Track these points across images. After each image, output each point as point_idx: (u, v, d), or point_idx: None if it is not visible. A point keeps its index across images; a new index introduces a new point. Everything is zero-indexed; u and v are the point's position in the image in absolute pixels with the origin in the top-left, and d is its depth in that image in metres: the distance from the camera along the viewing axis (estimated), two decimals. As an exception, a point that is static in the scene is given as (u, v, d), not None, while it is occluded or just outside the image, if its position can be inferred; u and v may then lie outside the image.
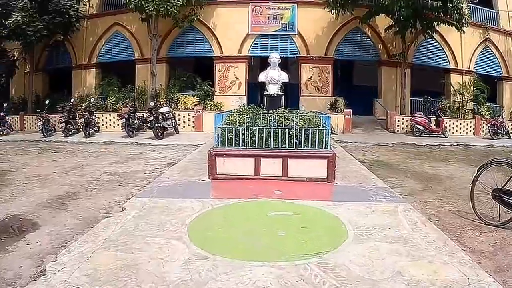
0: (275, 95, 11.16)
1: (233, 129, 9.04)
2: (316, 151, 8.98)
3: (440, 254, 4.99)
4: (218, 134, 9.32)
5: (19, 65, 28.22)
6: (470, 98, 24.82)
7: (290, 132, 8.97)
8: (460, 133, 23.13)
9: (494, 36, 27.01)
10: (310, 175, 8.88)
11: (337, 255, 4.92)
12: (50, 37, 25.33)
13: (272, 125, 9.05)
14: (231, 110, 11.17)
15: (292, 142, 9.02)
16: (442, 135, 21.13)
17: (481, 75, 26.03)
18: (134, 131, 19.31)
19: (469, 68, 26.14)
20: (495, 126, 21.79)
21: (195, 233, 5.63)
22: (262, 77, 11.48)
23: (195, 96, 22.91)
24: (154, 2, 20.51)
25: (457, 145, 18.52)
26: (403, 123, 22.31)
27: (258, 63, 23.49)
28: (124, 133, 18.84)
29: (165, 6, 20.59)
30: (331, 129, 10.74)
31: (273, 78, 11.11)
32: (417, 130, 20.88)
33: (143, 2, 20.58)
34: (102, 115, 22.33)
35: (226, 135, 9.11)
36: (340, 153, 13.02)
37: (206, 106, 22.15)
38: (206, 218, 6.44)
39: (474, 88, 24.90)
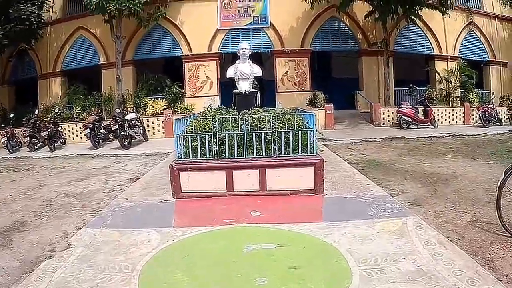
0: (247, 92, 9.54)
1: (198, 136, 7.43)
2: (299, 158, 7.40)
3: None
4: (180, 144, 7.70)
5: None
6: (458, 85, 23.85)
7: (267, 137, 7.37)
8: (449, 122, 22.11)
9: (478, 20, 26.26)
10: (294, 187, 7.32)
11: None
12: (12, 46, 24.15)
13: (244, 129, 7.46)
14: (194, 114, 9.58)
15: (270, 148, 7.41)
16: (431, 126, 20.13)
17: (466, 60, 25.05)
18: (100, 142, 17.97)
19: (454, 54, 25.30)
20: (486, 113, 20.88)
21: (147, 283, 4.32)
22: (230, 72, 9.84)
23: (164, 100, 21.57)
24: (116, 1, 19.21)
25: (449, 135, 17.61)
26: (388, 116, 21.14)
27: (230, 60, 21.82)
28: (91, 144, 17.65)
29: (127, 4, 19.28)
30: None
31: (244, 73, 9.49)
32: (404, 122, 19.73)
33: (104, 2, 19.29)
34: (69, 126, 20.92)
35: (190, 145, 7.52)
36: (325, 154, 11.70)
37: (176, 109, 20.80)
38: (163, 258, 5.03)
39: (462, 74, 23.91)
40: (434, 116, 20.48)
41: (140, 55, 23.41)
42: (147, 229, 5.97)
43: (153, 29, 22.76)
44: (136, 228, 6.09)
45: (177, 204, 7.32)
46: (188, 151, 7.54)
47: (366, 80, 23.69)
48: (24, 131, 19.01)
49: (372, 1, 20.15)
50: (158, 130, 20.06)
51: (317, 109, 20.02)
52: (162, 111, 20.45)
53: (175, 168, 7.41)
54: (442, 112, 22.04)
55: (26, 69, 26.54)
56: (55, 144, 18.43)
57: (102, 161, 14.67)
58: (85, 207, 8.10)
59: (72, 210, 7.98)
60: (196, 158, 7.51)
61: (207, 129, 7.48)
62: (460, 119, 22.35)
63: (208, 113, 8.67)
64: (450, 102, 23.33)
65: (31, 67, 26.21)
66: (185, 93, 22.41)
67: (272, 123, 7.36)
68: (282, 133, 7.34)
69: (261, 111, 8.25)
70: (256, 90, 9.71)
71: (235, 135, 7.41)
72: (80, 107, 22.08)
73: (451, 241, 5.18)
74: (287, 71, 22.89)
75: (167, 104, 21.23)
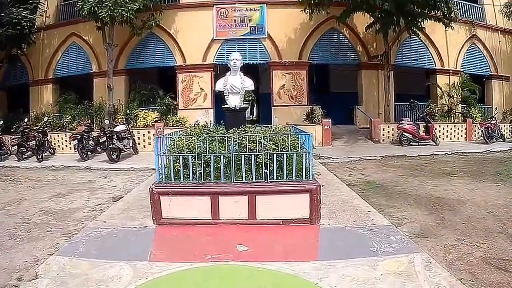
0: (237, 108, 8.63)
1: (180, 157, 6.67)
2: (294, 184, 6.62)
3: None
4: (161, 165, 6.95)
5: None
6: (460, 100, 23.29)
7: (258, 159, 6.62)
8: (450, 138, 21.49)
9: (480, 33, 25.60)
10: (287, 215, 6.55)
11: None
12: (4, 51, 23.47)
13: (232, 151, 6.68)
14: (176, 132, 8.76)
15: (261, 172, 6.65)
16: (433, 143, 19.47)
17: (469, 74, 24.39)
18: (88, 154, 17.29)
19: (456, 68, 24.63)
20: (489, 129, 20.28)
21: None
22: (219, 85, 9.01)
23: (156, 112, 20.83)
24: (108, 7, 18.56)
25: (452, 153, 16.90)
26: (388, 132, 20.47)
27: (225, 71, 21.13)
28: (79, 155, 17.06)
29: (120, 11, 18.62)
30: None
31: (234, 86, 8.66)
32: (405, 138, 19.06)
33: (96, 8, 18.67)
34: (58, 136, 20.23)
35: (172, 166, 6.76)
36: (322, 175, 11.01)
37: (168, 122, 20.07)
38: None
39: (465, 89, 23.38)
40: (435, 133, 19.82)
41: (133, 64, 22.71)
42: (120, 262, 5.35)
43: (146, 38, 22.09)
44: (109, 260, 5.47)
45: (157, 232, 6.58)
46: (170, 173, 6.79)
47: (366, 95, 22.99)
48: (12, 139, 18.52)
49: (373, 13, 19.55)
50: (149, 143, 19.14)
51: (314, 124, 19.40)
52: (153, 124, 19.72)
53: (155, 192, 6.66)
54: (443, 128, 21.42)
55: (18, 75, 25.94)
56: (43, 154, 17.85)
57: (88, 175, 14.11)
58: (61, 228, 7.61)
59: (47, 231, 7.49)
60: (178, 181, 6.76)
61: (191, 149, 6.69)
62: (461, 136, 21.77)
63: (193, 130, 7.88)
64: (452, 118, 22.66)
65: (23, 73, 25.59)
66: (178, 105, 21.71)
67: (264, 144, 6.59)
68: (275, 155, 6.59)
69: (252, 129, 7.47)
70: (249, 103, 8.91)
71: (222, 156, 6.66)
72: (70, 116, 21.41)
73: (464, 284, 4.58)
74: (284, 84, 22.13)
75: (158, 116, 20.50)
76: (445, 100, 23.24)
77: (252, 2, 22.03)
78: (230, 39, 21.99)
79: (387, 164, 14.49)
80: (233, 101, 8.56)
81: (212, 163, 6.60)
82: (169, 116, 20.59)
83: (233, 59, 8.84)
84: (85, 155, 16.88)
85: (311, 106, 20.91)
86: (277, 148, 6.61)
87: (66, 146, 19.56)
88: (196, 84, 21.85)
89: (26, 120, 19.98)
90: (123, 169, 14.76)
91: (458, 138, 21.60)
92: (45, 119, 20.65)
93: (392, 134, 20.20)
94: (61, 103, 23.39)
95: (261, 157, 6.56)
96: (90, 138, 17.39)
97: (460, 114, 22.97)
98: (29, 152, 18.06)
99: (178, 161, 6.70)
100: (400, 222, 7.19)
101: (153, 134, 18.87)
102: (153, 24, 20.81)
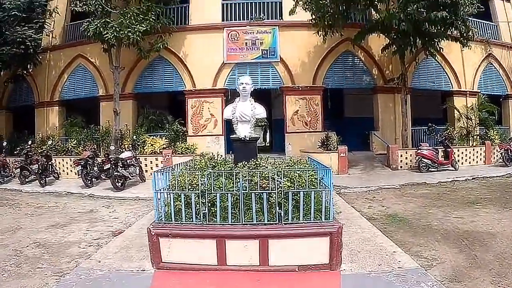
0: (248, 138, 7.49)
1: (182, 195, 5.88)
2: (312, 226, 5.80)
3: None
4: (160, 203, 6.16)
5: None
6: (477, 122, 22.57)
7: (271, 198, 5.79)
8: (469, 162, 20.62)
9: (496, 51, 24.87)
10: (304, 261, 5.75)
11: None
12: (9, 70, 23.33)
13: (241, 188, 5.84)
14: (178, 164, 7.89)
15: (274, 212, 5.82)
16: (452, 168, 18.68)
17: (486, 95, 23.78)
18: (93, 180, 16.76)
19: (472, 89, 23.86)
20: (509, 151, 19.62)
21: None
22: (228, 112, 7.93)
23: (164, 138, 20.05)
24: (114, 28, 18.14)
25: (472, 178, 16.24)
26: (406, 158, 19.56)
27: (236, 97, 20.44)
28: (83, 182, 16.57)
29: (126, 32, 18.14)
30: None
31: (244, 114, 7.60)
32: (423, 165, 18.22)
33: (101, 29, 18.26)
34: (63, 160, 19.73)
35: (173, 204, 5.97)
36: (340, 208, 10.34)
37: (177, 149, 19.25)
38: None
39: (483, 110, 22.70)
40: (454, 157, 19.06)
41: (140, 88, 22.09)
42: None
43: (154, 61, 21.52)
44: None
45: (155, 278, 5.85)
46: (170, 212, 6.00)
47: (382, 119, 22.15)
48: (15, 162, 18.28)
49: (389, 34, 18.86)
50: (156, 170, 18.33)
51: (330, 152, 18.65)
52: (161, 150, 18.97)
53: (153, 233, 5.89)
54: (462, 152, 20.57)
55: (24, 95, 25.62)
56: (47, 179, 17.58)
57: (90, 203, 13.75)
58: (53, 266, 7.16)
59: (38, 268, 7.09)
60: (179, 222, 5.97)
61: (194, 185, 5.89)
62: (480, 159, 20.95)
63: (198, 163, 7.07)
64: (470, 141, 21.92)
65: (29, 94, 25.23)
66: (187, 132, 20.97)
67: (277, 180, 5.77)
68: (290, 193, 5.75)
69: (264, 162, 6.66)
70: (258, 135, 7.89)
71: (229, 195, 5.83)
72: (75, 141, 20.89)
73: None
74: (297, 110, 21.32)
75: (167, 142, 19.73)
76: (463, 122, 22.47)
77: (263, 25, 21.39)
78: (241, 63, 21.31)
79: (407, 193, 13.78)
80: (243, 130, 7.55)
81: (218, 202, 5.79)
82: (177, 143, 19.83)
83: (243, 83, 7.82)
84: (89, 182, 16.48)
85: (326, 133, 20.12)
86: (292, 185, 5.78)
87: (71, 171, 19.06)
88: (206, 110, 21.15)
89: (30, 142, 19.86)
90: (127, 198, 14.26)
91: (477, 162, 20.82)
92: (49, 142, 20.40)
93: (410, 160, 19.37)
94: (67, 126, 22.97)
95: (274, 195, 5.76)
96: (95, 164, 16.99)
97: (478, 137, 22.25)
98: (33, 176, 17.79)
99: (179, 199, 5.91)
100: (430, 264, 6.52)
101: (161, 161, 18.30)
102: (161, 47, 20.29)
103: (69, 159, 19.36)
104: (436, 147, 19.08)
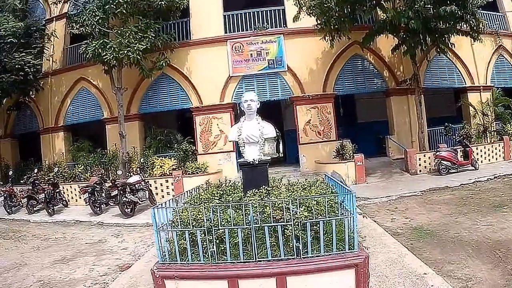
0: (257, 162, 6.52)
1: (186, 232, 5.18)
2: (335, 258, 5.03)
3: None
4: (162, 242, 5.46)
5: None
6: (494, 117, 21.97)
7: (287, 230, 5.03)
8: (489, 160, 19.97)
9: (506, 42, 24.18)
10: (328, 298, 5.04)
11: None
12: (10, 98, 23.32)
13: (252, 221, 5.07)
14: (182, 194, 7.15)
15: (291, 245, 5.04)
16: (472, 167, 18.03)
17: (500, 88, 23.31)
18: (101, 207, 16.35)
19: (486, 83, 23.17)
20: None
21: None
22: (233, 134, 6.97)
23: (173, 158, 19.47)
24: (113, 49, 17.77)
25: (495, 177, 15.74)
26: (425, 161, 18.84)
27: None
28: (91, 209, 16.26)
29: (125, 52, 17.74)
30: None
31: (251, 135, 6.63)
32: (443, 167, 17.57)
33: (100, 50, 17.92)
34: (71, 187, 19.26)
35: (176, 243, 5.30)
36: (361, 224, 9.59)
37: (187, 169, 18.56)
38: None
39: (498, 105, 22.19)
40: (474, 156, 18.42)
41: (146, 108, 21.63)
42: None
43: (158, 79, 21.09)
44: None
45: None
46: (174, 251, 5.31)
47: (397, 123, 21.49)
48: (22, 191, 17.97)
49: (398, 34, 18.31)
50: (167, 193, 17.75)
51: (346, 161, 18.04)
52: (170, 172, 18.36)
53: (157, 276, 5.22)
54: (481, 150, 19.94)
55: (28, 122, 25.49)
56: (55, 207, 17.23)
57: (99, 233, 13.45)
58: None
59: None
60: (186, 262, 5.27)
61: (199, 221, 5.17)
62: (499, 155, 20.33)
63: (203, 194, 6.39)
64: (488, 138, 21.27)
65: (33, 121, 25.06)
66: (197, 150, 20.45)
67: (293, 209, 5.06)
68: (308, 224, 4.99)
69: (276, 188, 5.96)
70: (269, 158, 6.87)
71: (239, 229, 5.08)
72: (82, 166, 20.55)
73: None
74: (309, 120, 20.73)
75: (176, 163, 19.14)
76: (479, 119, 21.81)
77: (268, 34, 20.87)
78: (248, 75, 20.78)
79: (430, 200, 13.16)
80: (251, 153, 6.64)
81: (227, 239, 5.06)
82: (187, 162, 19.17)
83: (247, 100, 6.78)
84: (98, 209, 16.16)
85: (341, 141, 19.50)
86: (310, 215, 5.02)
87: (80, 197, 18.41)
88: (215, 126, 20.65)
89: (36, 171, 19.64)
90: (137, 225, 13.87)
91: (496, 159, 20.18)
92: (56, 170, 19.99)
93: (429, 164, 18.69)
94: (74, 151, 22.62)
95: (290, 227, 5.01)
96: (103, 191, 16.56)
97: (495, 132, 21.64)
98: (41, 205, 17.41)
99: (183, 237, 5.25)
100: (465, 286, 6.01)
101: (171, 183, 17.72)
102: (164, 64, 19.80)
103: (76, 185, 18.96)
104: (454, 148, 18.47)
